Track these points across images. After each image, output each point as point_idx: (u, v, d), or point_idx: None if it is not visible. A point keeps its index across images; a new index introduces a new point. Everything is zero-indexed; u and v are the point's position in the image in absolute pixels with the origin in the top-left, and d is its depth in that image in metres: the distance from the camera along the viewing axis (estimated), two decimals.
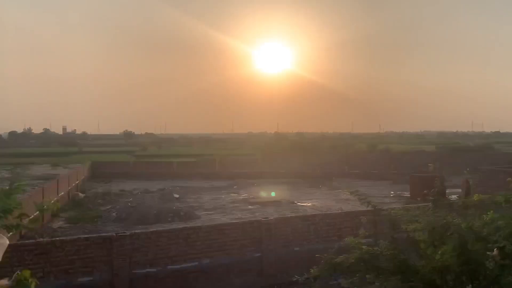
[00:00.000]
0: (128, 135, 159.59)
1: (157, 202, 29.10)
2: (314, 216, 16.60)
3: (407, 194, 31.94)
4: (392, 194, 35.13)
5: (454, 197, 30.73)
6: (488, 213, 5.30)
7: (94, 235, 13.35)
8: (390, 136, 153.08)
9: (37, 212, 10.92)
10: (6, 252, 2.93)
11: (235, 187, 37.37)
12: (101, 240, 12.71)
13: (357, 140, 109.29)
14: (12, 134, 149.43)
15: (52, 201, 27.26)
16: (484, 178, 23.81)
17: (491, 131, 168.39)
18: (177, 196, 31.58)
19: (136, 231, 13.79)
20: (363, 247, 5.49)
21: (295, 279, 6.22)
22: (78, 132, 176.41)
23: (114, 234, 12.95)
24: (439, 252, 4.99)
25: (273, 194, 32.66)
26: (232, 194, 33.15)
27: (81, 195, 33.53)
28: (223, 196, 32.05)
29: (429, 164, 7.94)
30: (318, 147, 76.44)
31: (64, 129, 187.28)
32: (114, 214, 24.77)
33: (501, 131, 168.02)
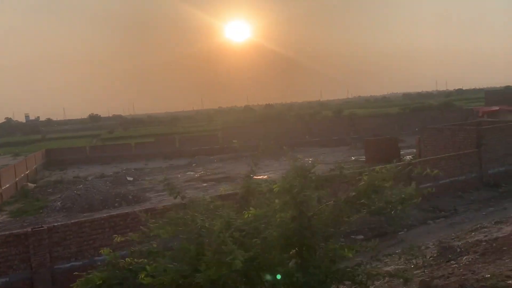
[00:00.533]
0: (94, 118, 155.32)
1: (109, 186, 28.11)
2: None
3: (363, 158, 31.92)
4: (353, 158, 35.12)
5: (408, 157, 31.03)
6: (263, 206, 4.49)
7: (6, 232, 12.40)
8: (357, 101, 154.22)
9: None
10: None
11: (193, 165, 36.63)
12: (14, 237, 11.80)
13: (325, 108, 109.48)
14: None
15: None
16: (430, 136, 23.75)
17: (454, 89, 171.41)
18: (130, 179, 30.63)
19: (55, 224, 12.92)
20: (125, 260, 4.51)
21: None
22: (42, 119, 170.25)
23: (30, 230, 12.06)
24: (142, 274, 4.02)
25: None
26: (189, 173, 32.45)
27: (31, 185, 32.14)
28: (179, 175, 31.32)
29: (234, 141, 6.91)
30: (284, 117, 76.07)
31: (26, 116, 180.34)
32: (59, 203, 23.70)
33: (463, 88, 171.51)
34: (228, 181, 27.93)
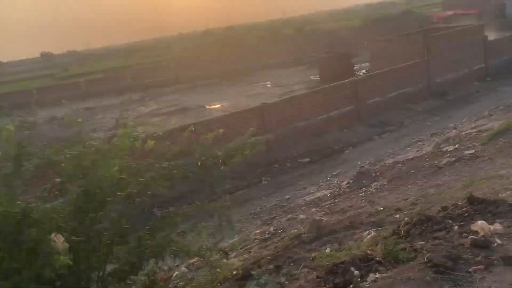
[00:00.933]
0: (46, 56, 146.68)
1: (55, 130, 26.89)
2: (195, 125, 15.33)
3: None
4: (313, 77, 34.37)
5: (363, 72, 30.59)
6: None
7: None
8: (320, 16, 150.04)
9: None
10: None
11: (146, 99, 35.31)
12: None
13: (287, 26, 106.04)
14: None
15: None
16: (380, 49, 23.10)
17: None
18: (79, 120, 29.31)
19: None
20: None
21: None
22: None
23: None
24: None
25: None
26: (140, 108, 31.28)
27: None
28: (130, 112, 30.08)
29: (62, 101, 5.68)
30: (245, 40, 73.36)
31: None
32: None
33: None
34: (181, 113, 27.15)
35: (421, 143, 11.10)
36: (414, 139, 12.47)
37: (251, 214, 10.11)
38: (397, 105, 20.07)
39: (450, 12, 42.93)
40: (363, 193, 6.28)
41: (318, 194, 8.79)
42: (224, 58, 46.20)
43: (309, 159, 16.03)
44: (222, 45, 64.22)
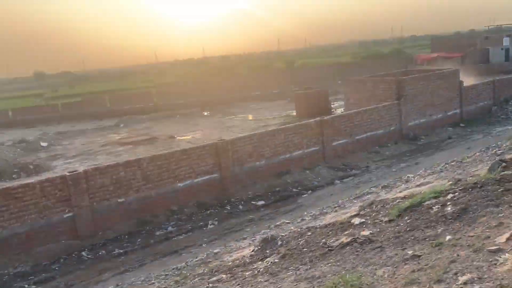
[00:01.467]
0: (39, 76, 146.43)
1: (18, 154, 25.79)
2: (140, 160, 14.37)
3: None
4: (291, 112, 33.75)
5: (340, 110, 29.99)
6: None
7: None
8: (313, 51, 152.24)
9: None
10: None
11: (121, 125, 34.40)
12: None
13: (281, 58, 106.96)
14: None
15: None
16: (354, 88, 22.53)
17: (408, 36, 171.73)
18: (44, 144, 28.24)
19: None
20: None
21: None
22: None
23: None
24: None
25: None
26: (111, 135, 30.29)
27: None
28: (99, 139, 29.14)
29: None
30: (236, 70, 73.53)
31: None
32: None
33: (417, 35, 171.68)
34: (149, 143, 26.19)
35: (368, 196, 10.20)
36: (365, 190, 11.58)
37: (173, 269, 9.01)
38: (365, 147, 19.28)
39: (433, 55, 42.93)
40: (250, 271, 5.27)
41: (244, 252, 7.76)
42: (211, 88, 45.79)
43: (263, 202, 15.03)
44: (212, 74, 64.27)
